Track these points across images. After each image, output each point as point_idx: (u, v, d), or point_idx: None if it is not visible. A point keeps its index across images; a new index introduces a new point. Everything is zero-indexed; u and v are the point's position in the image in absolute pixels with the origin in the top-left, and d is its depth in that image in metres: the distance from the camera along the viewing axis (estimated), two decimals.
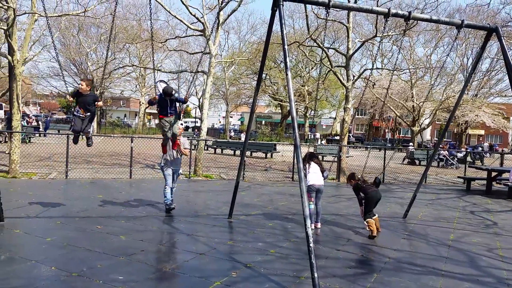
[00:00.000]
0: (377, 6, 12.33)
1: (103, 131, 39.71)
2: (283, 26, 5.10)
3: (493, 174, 13.46)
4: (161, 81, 7.28)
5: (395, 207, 9.60)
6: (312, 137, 46.59)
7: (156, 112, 7.34)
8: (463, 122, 39.82)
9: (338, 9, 10.13)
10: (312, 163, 7.23)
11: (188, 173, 13.41)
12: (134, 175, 12.61)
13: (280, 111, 54.47)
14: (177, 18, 14.37)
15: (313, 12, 15.83)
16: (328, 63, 16.49)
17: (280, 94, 46.54)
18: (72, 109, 6.56)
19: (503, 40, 6.35)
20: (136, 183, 11.58)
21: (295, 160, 5.50)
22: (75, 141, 6.82)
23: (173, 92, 6.92)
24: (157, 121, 7.60)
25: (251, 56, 34.26)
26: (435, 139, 56.11)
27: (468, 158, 23.51)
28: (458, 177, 16.16)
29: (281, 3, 5.17)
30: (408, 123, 35.27)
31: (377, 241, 6.51)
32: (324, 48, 15.39)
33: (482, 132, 56.38)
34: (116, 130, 43.64)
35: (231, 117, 62.97)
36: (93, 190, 9.93)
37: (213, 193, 10.49)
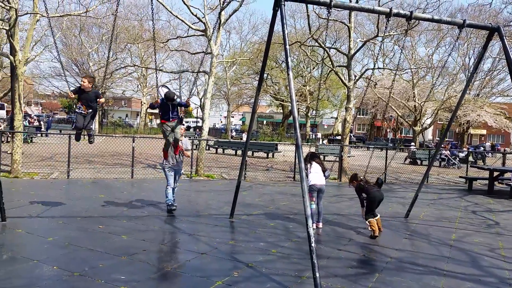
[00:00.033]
0: (379, 6, 12.31)
1: (105, 131, 39.76)
2: (285, 26, 5.10)
3: (495, 174, 13.43)
4: (163, 86, 7.32)
5: (397, 207, 9.59)
6: (313, 137, 46.56)
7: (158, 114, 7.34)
8: (465, 122, 39.74)
9: (339, 9, 10.11)
10: (314, 163, 7.23)
11: (190, 173, 13.42)
12: (135, 175, 12.62)
13: (281, 111, 54.48)
14: (178, 18, 14.37)
15: (315, 12, 15.82)
16: (330, 63, 16.49)
17: (281, 94, 46.52)
18: (74, 106, 6.57)
19: (505, 40, 6.33)
20: (138, 183, 11.59)
21: (297, 160, 5.50)
22: (78, 138, 6.84)
23: (175, 97, 6.94)
24: (158, 121, 7.61)
25: (252, 56, 34.22)
26: (437, 139, 56.02)
27: (470, 158, 23.47)
28: (460, 177, 16.13)
29: (283, 3, 5.17)
30: (410, 122, 35.24)
31: (379, 241, 6.51)
32: (326, 48, 15.36)
33: (484, 132, 56.27)
34: (117, 130, 43.68)
35: (233, 117, 63.00)
36: (95, 190, 9.94)
37: (214, 193, 10.49)
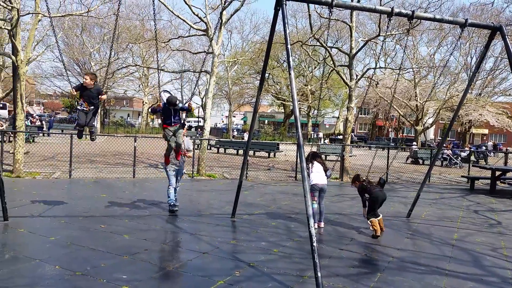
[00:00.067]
0: (380, 5, 12.29)
1: (107, 131, 39.82)
2: (286, 25, 5.09)
3: (497, 173, 13.40)
4: (165, 91, 7.32)
5: (399, 206, 9.58)
6: (315, 136, 46.55)
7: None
8: (467, 121, 39.70)
9: (341, 9, 10.09)
10: (315, 163, 7.22)
11: (191, 172, 13.43)
12: (137, 174, 12.64)
13: (283, 110, 54.50)
14: (180, 18, 14.38)
15: (316, 11, 15.80)
16: (331, 62, 16.49)
17: (283, 93, 46.54)
18: (76, 104, 6.58)
19: (507, 39, 6.31)
20: (140, 182, 11.61)
21: (298, 159, 5.50)
22: (80, 135, 6.85)
23: (177, 102, 6.92)
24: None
25: (254, 55, 34.23)
26: (439, 138, 55.94)
27: (472, 157, 23.43)
28: (462, 176, 16.10)
29: (284, 2, 5.17)
30: (412, 122, 35.20)
31: (381, 240, 6.50)
32: (327, 48, 15.34)
33: (486, 131, 56.18)
34: (119, 129, 43.76)
35: (234, 116, 62.97)
36: (97, 190, 9.96)
37: (216, 192, 10.49)
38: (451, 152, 24.60)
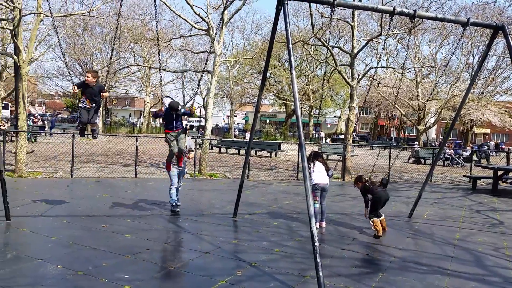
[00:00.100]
0: (382, 5, 12.26)
1: (108, 131, 39.86)
2: (288, 25, 5.08)
3: (499, 173, 13.37)
4: (167, 96, 7.31)
5: (401, 206, 9.57)
6: (316, 136, 46.53)
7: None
8: (469, 121, 39.61)
9: (342, 8, 10.09)
10: (317, 162, 7.21)
11: (193, 172, 13.44)
12: (139, 174, 12.65)
13: (284, 110, 54.46)
14: (181, 17, 14.39)
15: (318, 10, 15.79)
16: (333, 61, 16.46)
17: (284, 93, 46.52)
18: (77, 101, 6.59)
19: (510, 38, 6.30)
20: (141, 182, 11.62)
21: (300, 159, 5.49)
22: (82, 134, 6.85)
23: (179, 107, 6.90)
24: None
25: (255, 55, 34.20)
26: (441, 137, 55.87)
27: (474, 157, 23.39)
28: (464, 176, 16.07)
29: (286, 2, 5.16)
30: (413, 121, 35.14)
31: (383, 240, 6.49)
32: (329, 47, 15.34)
33: (488, 130, 56.09)
34: (121, 129, 43.79)
35: (236, 116, 62.98)
36: (99, 189, 9.97)
37: (217, 192, 10.50)
38: (453, 151, 24.56)
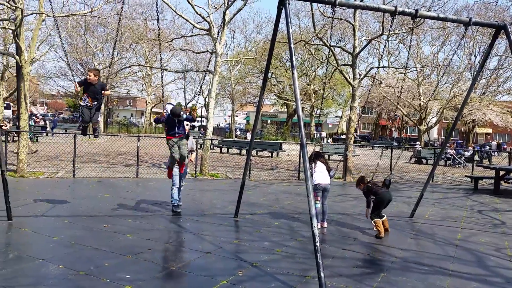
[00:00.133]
0: (384, 4, 12.23)
1: (110, 131, 39.90)
2: (289, 24, 5.08)
3: (501, 173, 13.35)
4: (169, 103, 7.30)
5: (402, 206, 9.55)
6: (318, 136, 46.50)
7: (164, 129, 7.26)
8: (471, 121, 39.52)
9: (344, 7, 10.07)
10: (318, 162, 7.21)
11: (194, 172, 13.44)
12: (140, 174, 12.66)
13: (286, 110, 54.46)
14: (183, 17, 14.39)
15: (319, 10, 15.79)
16: (334, 61, 16.44)
17: (286, 93, 46.52)
18: (79, 100, 6.60)
19: None
20: (143, 182, 11.63)
21: (301, 159, 5.49)
22: (84, 132, 6.85)
23: (181, 113, 6.87)
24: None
25: (256, 55, 34.22)
26: (442, 137, 55.75)
27: (476, 157, 23.34)
28: (466, 176, 16.05)
29: (287, 1, 5.15)
30: (415, 121, 35.08)
31: (384, 240, 6.49)
32: (330, 47, 15.34)
33: (490, 130, 55.94)
34: (122, 129, 43.85)
35: (237, 116, 63.04)
36: (100, 189, 9.98)
37: (219, 192, 10.50)
38: (454, 151, 24.51)
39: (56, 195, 8.87)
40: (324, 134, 49.62)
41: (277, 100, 52.98)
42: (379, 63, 22.45)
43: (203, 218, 7.43)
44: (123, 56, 35.66)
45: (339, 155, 21.52)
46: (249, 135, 36.65)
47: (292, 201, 9.66)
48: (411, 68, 29.01)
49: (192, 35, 19.93)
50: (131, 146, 14.77)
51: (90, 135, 7.08)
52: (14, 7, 11.08)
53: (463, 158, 24.09)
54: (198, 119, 52.65)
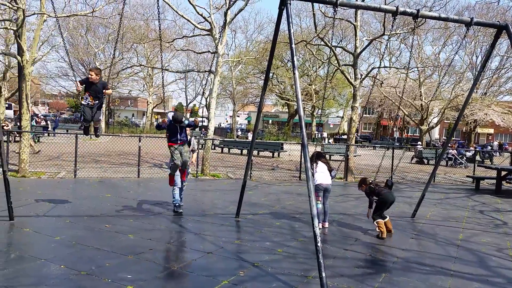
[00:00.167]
0: (385, 4, 12.23)
1: (111, 131, 39.94)
2: (291, 25, 5.08)
3: (503, 173, 13.32)
4: (171, 111, 7.30)
5: (404, 206, 9.54)
6: (319, 136, 46.48)
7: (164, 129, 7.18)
8: (472, 121, 39.48)
9: (345, 8, 10.07)
10: (320, 162, 7.20)
11: (196, 172, 13.45)
12: (142, 174, 12.67)
13: (287, 110, 54.45)
14: (184, 17, 14.40)
15: (321, 10, 15.78)
16: (336, 61, 16.44)
17: (287, 93, 46.49)
18: (80, 99, 6.61)
19: None
20: (144, 182, 11.64)
21: (303, 159, 5.48)
22: (87, 132, 6.85)
23: (183, 119, 6.84)
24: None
25: (258, 55, 34.21)
26: (444, 138, 55.70)
27: (477, 157, 23.30)
28: (467, 176, 16.02)
29: (289, 1, 5.15)
30: (417, 121, 35.06)
31: (386, 240, 6.48)
32: (332, 47, 15.32)
33: (491, 131, 55.86)
34: (124, 129, 43.88)
35: (238, 116, 63.02)
36: (102, 189, 10.00)
37: (220, 192, 10.50)
38: (456, 152, 24.48)
39: (58, 195, 8.89)
40: (325, 134, 49.61)
41: (278, 100, 52.95)
42: (380, 63, 22.45)
43: (204, 218, 7.43)
44: (125, 57, 35.70)
45: (340, 155, 21.51)
46: (250, 135, 36.66)
47: (293, 201, 9.66)
48: (412, 68, 29.02)
49: (194, 36, 19.92)
50: (132, 146, 14.78)
51: (92, 135, 7.08)
52: (16, 8, 11.10)
53: (465, 158, 24.05)
54: (199, 119, 52.73)
